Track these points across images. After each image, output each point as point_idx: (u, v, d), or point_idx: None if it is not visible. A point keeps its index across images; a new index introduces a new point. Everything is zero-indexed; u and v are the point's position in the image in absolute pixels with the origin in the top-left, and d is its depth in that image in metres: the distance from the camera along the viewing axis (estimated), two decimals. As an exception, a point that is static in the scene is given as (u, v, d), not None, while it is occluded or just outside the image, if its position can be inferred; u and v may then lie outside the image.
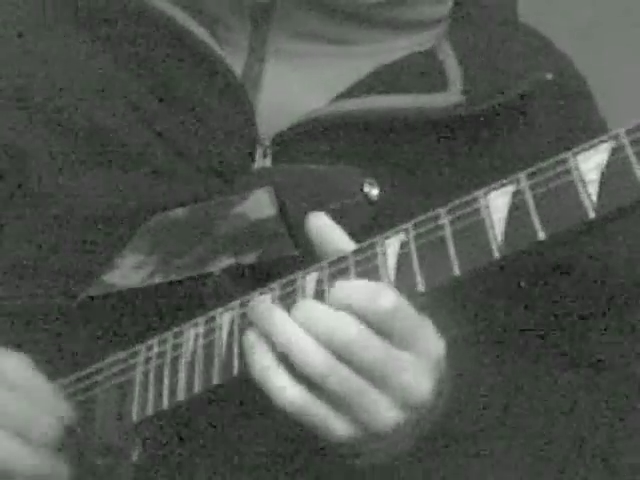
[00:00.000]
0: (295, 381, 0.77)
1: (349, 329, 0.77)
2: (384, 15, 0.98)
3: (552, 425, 0.89)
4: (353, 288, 0.79)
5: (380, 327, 0.77)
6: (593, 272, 0.94)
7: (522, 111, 0.95)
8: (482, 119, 0.94)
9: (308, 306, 0.79)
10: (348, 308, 0.77)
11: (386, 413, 0.77)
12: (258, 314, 0.80)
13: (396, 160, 0.94)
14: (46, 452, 0.85)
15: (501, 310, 0.94)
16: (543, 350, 0.94)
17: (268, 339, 0.79)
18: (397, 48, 0.99)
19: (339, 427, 0.77)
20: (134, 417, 0.86)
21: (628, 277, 0.95)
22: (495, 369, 0.89)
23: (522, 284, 0.92)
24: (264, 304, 0.81)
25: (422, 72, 0.96)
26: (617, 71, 1.62)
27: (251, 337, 0.80)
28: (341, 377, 0.77)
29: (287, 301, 0.83)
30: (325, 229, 0.85)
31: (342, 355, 0.77)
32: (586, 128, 0.99)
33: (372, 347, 0.77)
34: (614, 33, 1.69)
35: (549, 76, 0.94)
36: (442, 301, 0.79)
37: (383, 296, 0.77)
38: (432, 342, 0.79)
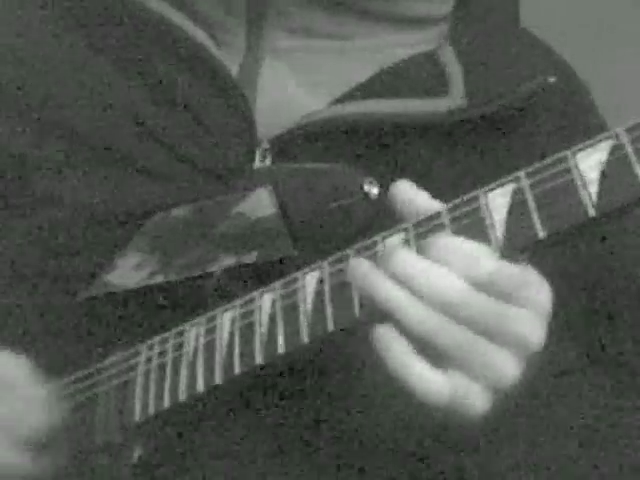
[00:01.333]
0: (435, 368, 0.75)
1: (453, 285, 0.75)
2: (379, 9, 0.98)
3: (576, 427, 0.89)
4: (449, 247, 0.76)
5: (483, 287, 0.75)
6: (606, 271, 0.94)
7: (524, 115, 0.95)
8: (484, 123, 0.93)
9: (406, 261, 0.76)
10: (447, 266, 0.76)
11: (504, 365, 0.75)
12: (361, 279, 0.77)
13: (397, 164, 0.93)
14: (30, 452, 0.85)
15: None
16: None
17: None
18: (396, 45, 0.98)
19: (479, 397, 0.75)
20: (135, 417, 0.86)
21: (633, 274, 0.95)
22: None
23: None
24: (364, 267, 0.78)
25: (423, 76, 0.96)
26: (617, 70, 1.62)
27: (381, 332, 0.76)
28: (453, 334, 0.75)
29: (290, 299, 0.83)
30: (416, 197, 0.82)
31: (449, 312, 0.75)
32: (587, 133, 0.99)
33: (479, 301, 0.75)
34: (614, 32, 1.69)
35: (552, 79, 0.93)
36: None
37: (481, 259, 0.76)
38: (540, 293, 0.77)
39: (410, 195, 0.81)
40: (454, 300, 0.75)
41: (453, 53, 0.97)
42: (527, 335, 0.76)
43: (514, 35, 1.02)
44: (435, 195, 0.88)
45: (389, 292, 0.76)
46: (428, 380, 0.75)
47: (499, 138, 0.95)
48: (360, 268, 0.78)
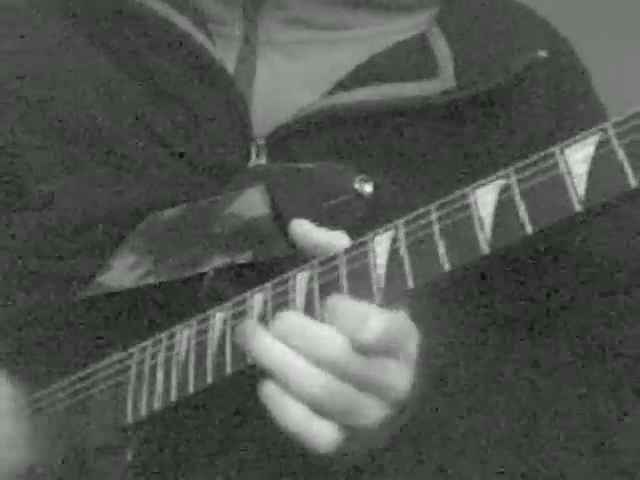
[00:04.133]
0: (295, 400, 0.78)
1: (335, 342, 0.78)
2: None
3: (549, 418, 0.89)
4: (339, 309, 0.79)
5: (369, 350, 0.78)
6: (590, 259, 0.94)
7: (517, 91, 0.95)
8: (476, 103, 0.93)
9: (290, 321, 0.80)
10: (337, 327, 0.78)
11: (375, 414, 0.78)
12: (243, 337, 0.81)
13: (390, 153, 0.93)
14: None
15: (500, 300, 0.94)
16: (544, 339, 0.94)
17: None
18: (389, 32, 0.98)
19: (327, 435, 0.78)
20: (128, 418, 0.87)
21: (623, 264, 0.95)
22: (479, 361, 0.90)
23: (518, 274, 0.92)
24: (248, 326, 0.81)
25: (413, 59, 0.96)
26: (616, 63, 1.61)
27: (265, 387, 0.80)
28: (335, 391, 0.77)
29: (280, 299, 0.83)
30: (312, 232, 0.85)
31: (330, 369, 0.78)
32: (582, 105, 0.98)
33: (359, 358, 0.78)
34: (614, 25, 1.68)
35: (542, 53, 0.93)
36: (423, 297, 0.80)
37: (373, 321, 0.78)
38: (411, 342, 0.80)
39: (307, 230, 0.85)
40: (337, 357, 0.78)
41: (442, 35, 0.97)
42: (397, 384, 0.79)
43: (503, 11, 1.02)
44: (429, 184, 0.88)
45: (271, 351, 0.79)
46: (284, 411, 0.78)
47: (492, 117, 0.95)
48: (247, 329, 0.80)
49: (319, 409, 0.78)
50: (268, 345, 0.79)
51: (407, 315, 0.80)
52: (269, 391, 0.78)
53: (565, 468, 0.87)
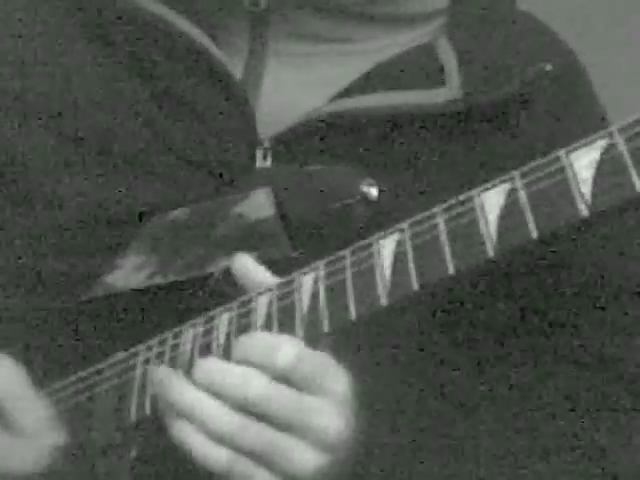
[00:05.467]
0: (214, 442, 0.79)
1: (251, 384, 0.79)
2: (380, 10, 0.98)
3: (551, 425, 0.89)
4: (250, 343, 0.80)
5: (283, 379, 0.79)
6: (589, 268, 0.94)
7: (522, 103, 0.95)
8: (482, 113, 0.93)
9: (207, 366, 0.81)
10: (248, 363, 0.79)
11: (304, 458, 0.78)
12: (158, 384, 0.82)
13: (396, 158, 0.93)
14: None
15: (498, 309, 0.94)
16: (541, 349, 0.94)
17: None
18: (396, 44, 0.98)
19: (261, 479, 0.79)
20: (132, 417, 0.87)
21: (623, 274, 0.95)
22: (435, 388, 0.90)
23: (516, 282, 0.92)
24: (162, 372, 0.83)
25: (420, 68, 0.96)
26: (617, 66, 1.61)
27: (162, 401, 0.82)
28: (254, 433, 0.78)
29: (286, 300, 0.83)
30: (249, 269, 0.87)
31: (250, 410, 0.79)
32: (586, 118, 0.98)
33: (277, 398, 0.78)
34: (614, 27, 1.69)
35: (548, 67, 0.93)
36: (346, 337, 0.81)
37: (281, 349, 0.79)
38: (337, 381, 0.80)
39: (247, 269, 0.87)
40: (253, 397, 0.78)
41: (449, 45, 0.97)
42: (325, 426, 0.78)
43: (511, 22, 1.02)
44: (435, 189, 0.88)
45: (185, 395, 0.80)
46: (204, 453, 0.79)
47: (497, 128, 0.95)
48: (158, 374, 0.82)
49: (241, 451, 0.78)
50: (182, 390, 0.80)
51: (329, 356, 0.81)
52: (184, 430, 0.80)
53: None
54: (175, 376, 0.82)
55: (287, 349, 0.79)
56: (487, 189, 0.78)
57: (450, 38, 0.98)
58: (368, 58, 0.97)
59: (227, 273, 0.89)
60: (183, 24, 0.96)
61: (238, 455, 0.79)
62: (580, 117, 0.98)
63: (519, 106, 0.95)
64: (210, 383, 0.80)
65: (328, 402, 0.79)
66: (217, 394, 0.79)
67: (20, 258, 0.95)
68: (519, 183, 0.76)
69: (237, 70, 0.97)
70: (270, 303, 0.84)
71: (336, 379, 0.80)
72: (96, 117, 0.96)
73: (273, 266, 0.87)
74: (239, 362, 0.80)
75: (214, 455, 0.79)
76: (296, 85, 0.97)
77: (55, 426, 0.88)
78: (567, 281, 0.94)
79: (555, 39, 1.04)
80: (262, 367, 0.79)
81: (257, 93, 0.97)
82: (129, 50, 0.97)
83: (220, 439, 0.79)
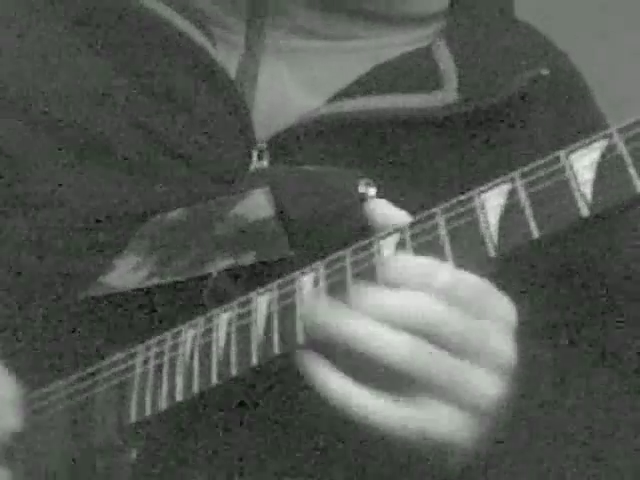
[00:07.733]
0: (379, 394, 0.73)
1: (429, 308, 0.74)
2: (378, 9, 0.98)
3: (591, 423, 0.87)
4: (403, 266, 0.76)
5: (447, 300, 0.74)
6: (603, 268, 0.94)
7: (519, 108, 0.95)
8: (478, 117, 0.94)
9: (368, 291, 0.75)
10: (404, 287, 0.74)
11: (487, 385, 0.74)
12: (315, 314, 0.76)
13: (393, 160, 0.94)
14: None
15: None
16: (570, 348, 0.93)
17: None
18: (394, 44, 0.99)
19: (448, 421, 0.73)
20: (132, 417, 0.87)
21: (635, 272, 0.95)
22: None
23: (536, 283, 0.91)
24: (320, 301, 0.77)
25: (417, 71, 0.96)
26: (617, 68, 1.61)
27: (307, 357, 0.76)
28: (429, 358, 0.73)
29: (286, 300, 0.83)
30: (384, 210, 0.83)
31: (422, 335, 0.73)
32: (583, 123, 0.99)
33: (450, 319, 0.74)
34: (614, 30, 1.69)
35: (545, 72, 0.94)
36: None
37: (439, 272, 0.75)
38: (500, 305, 0.76)
39: (382, 210, 0.84)
40: (433, 321, 0.73)
41: (447, 48, 0.97)
42: (501, 349, 0.75)
43: (508, 27, 1.02)
44: (432, 191, 0.88)
45: (352, 326, 0.74)
46: (392, 417, 0.73)
47: (494, 132, 0.95)
48: (320, 307, 0.76)
49: (421, 384, 0.73)
50: (350, 318, 0.73)
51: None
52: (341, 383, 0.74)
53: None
54: (339, 303, 0.75)
55: (444, 271, 0.75)
56: (487, 189, 0.78)
57: (448, 42, 0.98)
58: (364, 57, 0.98)
59: (225, 274, 0.89)
60: (178, 21, 0.97)
61: (410, 403, 0.72)
62: (576, 121, 0.99)
63: (516, 110, 0.95)
64: (379, 310, 0.73)
65: (497, 325, 0.75)
66: (384, 320, 0.73)
67: (18, 258, 0.95)
68: (519, 183, 0.76)
69: (232, 68, 0.97)
70: (270, 303, 0.84)
71: (499, 303, 0.76)
72: (90, 116, 0.96)
73: (272, 266, 0.87)
74: (392, 287, 0.74)
75: (384, 409, 0.72)
76: (292, 83, 0.97)
77: (13, 410, 0.88)
78: (581, 281, 0.93)
79: (550, 45, 1.05)
80: (420, 290, 0.74)
81: (252, 91, 0.97)
82: (123, 48, 0.97)
83: (391, 368, 0.72)
